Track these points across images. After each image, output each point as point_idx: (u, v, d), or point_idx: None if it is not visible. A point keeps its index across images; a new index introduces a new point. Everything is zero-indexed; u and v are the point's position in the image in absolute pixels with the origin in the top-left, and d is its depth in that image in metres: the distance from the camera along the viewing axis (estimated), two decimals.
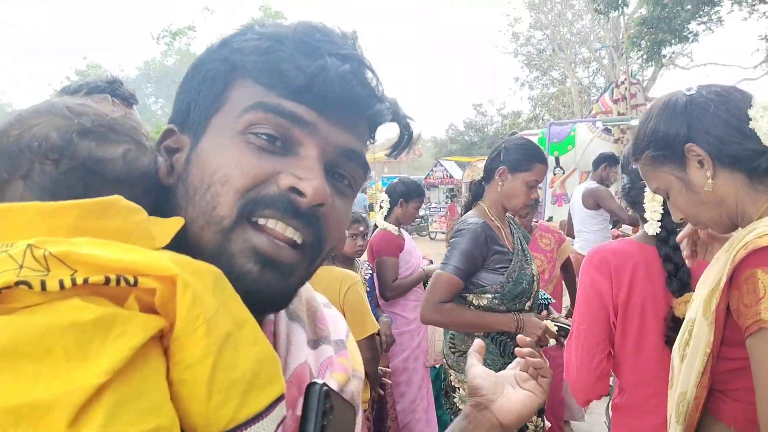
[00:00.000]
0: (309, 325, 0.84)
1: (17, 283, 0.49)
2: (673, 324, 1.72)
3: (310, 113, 0.68)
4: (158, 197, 0.73)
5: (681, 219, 1.48)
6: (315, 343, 0.83)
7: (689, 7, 10.13)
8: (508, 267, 2.56)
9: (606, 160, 5.92)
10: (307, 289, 0.91)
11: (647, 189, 1.76)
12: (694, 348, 1.32)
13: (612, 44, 23.52)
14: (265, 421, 0.57)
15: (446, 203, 23.01)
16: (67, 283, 0.50)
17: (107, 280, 0.52)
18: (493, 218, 2.63)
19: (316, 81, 0.66)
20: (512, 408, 1.06)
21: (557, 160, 10.61)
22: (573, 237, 6.50)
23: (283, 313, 0.81)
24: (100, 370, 0.48)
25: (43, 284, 0.49)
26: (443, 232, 17.43)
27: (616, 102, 10.41)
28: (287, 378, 0.73)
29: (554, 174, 12.43)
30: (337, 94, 0.68)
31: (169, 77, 38.57)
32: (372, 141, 0.81)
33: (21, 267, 0.50)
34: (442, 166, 25.55)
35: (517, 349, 1.14)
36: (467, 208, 2.79)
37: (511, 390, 1.08)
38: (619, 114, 10.39)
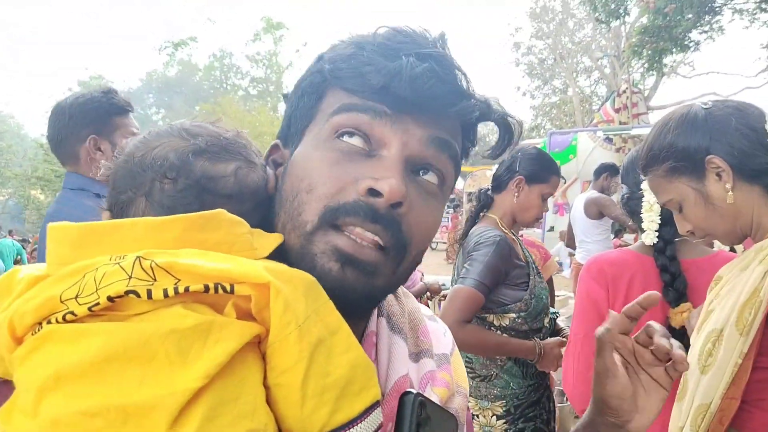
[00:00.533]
0: (411, 338, 0.85)
1: (126, 292, 0.54)
2: (670, 334, 1.69)
3: (390, 111, 0.70)
4: (267, 210, 0.77)
5: (688, 231, 1.48)
6: (417, 356, 0.84)
7: (690, 16, 10.13)
8: (528, 282, 2.40)
9: (607, 170, 5.89)
10: (411, 301, 0.93)
11: (644, 199, 1.78)
12: (723, 359, 1.29)
13: (613, 53, 23.57)
14: (360, 428, 0.58)
15: (448, 213, 22.98)
16: (171, 292, 0.55)
17: (206, 288, 0.56)
18: (505, 230, 2.47)
19: (394, 81, 0.68)
20: (648, 420, 0.88)
21: (558, 169, 10.57)
22: (573, 247, 6.45)
23: (385, 325, 0.82)
24: (198, 374, 0.51)
25: (149, 293, 0.54)
26: (444, 242, 17.34)
27: (617, 111, 10.40)
28: (387, 390, 0.74)
29: None
30: (415, 92, 0.68)
31: (170, 88, 38.77)
32: (472, 144, 0.82)
33: (130, 277, 0.55)
34: None
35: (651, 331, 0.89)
36: (473, 218, 2.62)
37: (643, 395, 0.89)
38: (620, 123, 10.38)
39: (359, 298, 0.69)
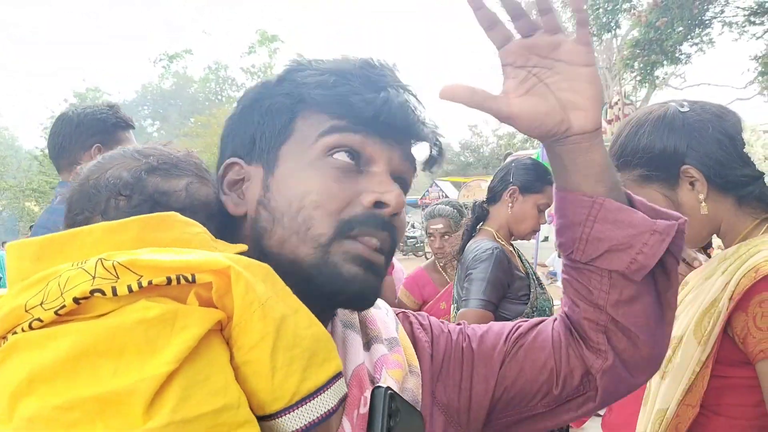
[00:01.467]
0: (362, 330, 0.90)
1: (92, 292, 0.56)
2: None
3: (377, 136, 0.78)
4: (223, 225, 0.82)
5: None
6: (368, 344, 0.88)
7: (681, 29, 10.27)
8: (529, 294, 2.36)
9: None
10: None
11: None
12: (681, 366, 1.30)
13: (605, 66, 23.78)
14: (326, 395, 0.63)
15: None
16: (134, 287, 0.57)
17: (169, 280, 0.58)
18: (502, 242, 2.44)
19: (383, 111, 0.75)
20: (589, 115, 0.80)
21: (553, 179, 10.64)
22: None
23: (338, 323, 0.88)
24: (168, 359, 0.54)
25: (114, 290, 0.57)
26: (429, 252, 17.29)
27: (610, 122, 10.50)
28: (348, 380, 0.78)
29: None
30: (398, 121, 0.77)
31: (165, 100, 38.81)
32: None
33: (94, 277, 0.57)
34: (437, 186, 25.60)
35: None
36: (470, 232, 2.59)
37: (566, 90, 0.80)
38: (612, 134, 10.45)
39: (374, 295, 0.79)
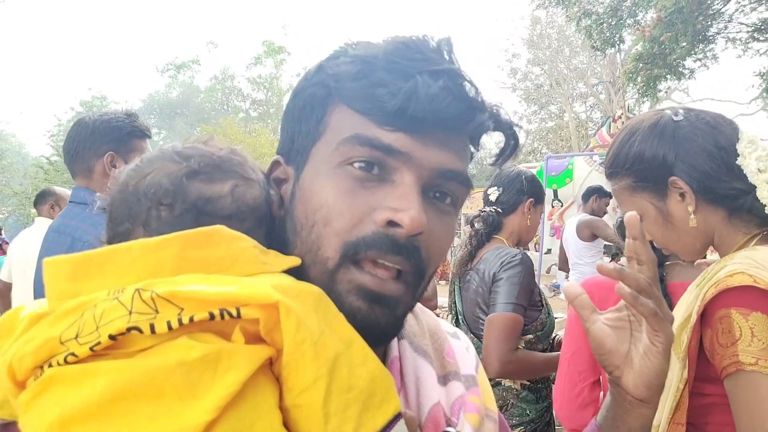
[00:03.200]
0: (437, 360, 0.82)
1: (128, 329, 0.52)
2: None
3: (405, 140, 0.67)
4: (272, 228, 0.75)
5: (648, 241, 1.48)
6: (444, 378, 0.80)
7: (684, 44, 10.30)
8: (542, 300, 2.45)
9: (595, 192, 5.97)
10: (430, 319, 0.89)
11: None
12: (667, 383, 1.25)
13: (609, 80, 23.84)
14: None
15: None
16: (174, 324, 0.52)
17: (212, 316, 0.54)
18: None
19: (409, 104, 0.65)
20: (641, 377, 0.81)
21: (555, 192, 10.66)
22: (566, 270, 6.50)
23: (408, 347, 0.80)
24: (209, 407, 0.50)
25: (152, 327, 0.52)
26: None
27: (613, 136, 10.52)
28: (423, 421, 0.73)
29: (552, 206, 12.45)
30: (431, 114, 0.65)
31: (172, 109, 39.01)
32: (476, 150, 0.78)
33: (131, 312, 0.53)
34: None
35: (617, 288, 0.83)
36: (482, 240, 2.60)
37: (637, 352, 0.82)
38: None
39: (386, 331, 0.69)
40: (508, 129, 0.76)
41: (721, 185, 1.29)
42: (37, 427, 0.51)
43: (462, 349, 0.88)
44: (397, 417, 0.59)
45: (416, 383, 0.77)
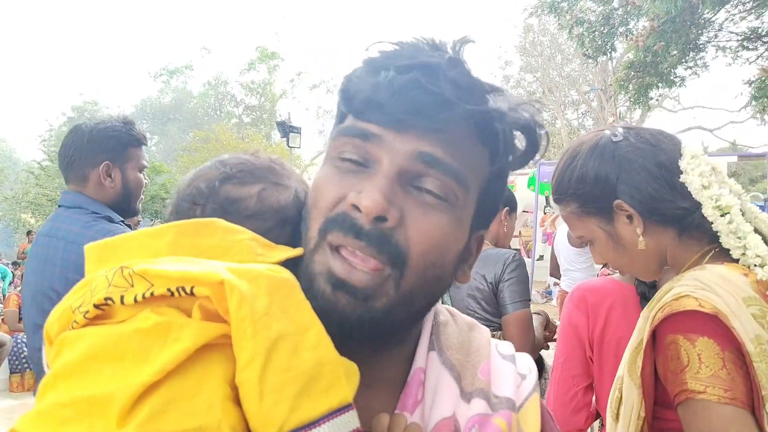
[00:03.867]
0: (468, 376, 0.78)
1: (105, 299, 0.59)
2: None
3: (378, 128, 0.69)
4: (298, 228, 0.77)
5: (602, 262, 1.46)
6: (470, 395, 0.76)
7: (675, 52, 10.38)
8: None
9: None
10: (483, 338, 0.86)
11: None
12: (627, 410, 1.26)
13: (600, 87, 23.99)
14: (324, 429, 0.56)
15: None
16: (140, 297, 0.59)
17: (171, 292, 0.59)
18: None
19: (374, 96, 0.68)
20: None
21: (547, 199, 10.71)
22: (557, 276, 6.53)
23: (436, 359, 0.79)
24: (152, 370, 0.54)
25: (122, 298, 0.59)
26: None
27: None
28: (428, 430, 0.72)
29: (545, 213, 12.48)
30: (396, 106, 0.67)
31: (164, 114, 38.91)
32: (506, 152, 0.74)
33: (109, 285, 0.60)
34: None
35: None
36: None
37: None
38: None
39: (357, 324, 0.67)
40: (523, 128, 0.73)
41: (667, 205, 1.26)
42: (42, 382, 0.58)
43: (509, 371, 0.82)
44: (344, 408, 0.58)
45: (434, 395, 0.75)
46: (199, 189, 0.80)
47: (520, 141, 0.74)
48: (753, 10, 10.36)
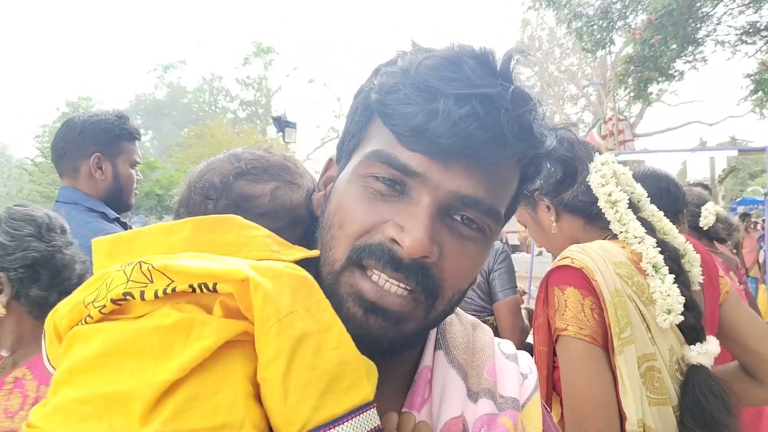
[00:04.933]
0: (474, 375, 0.80)
1: (124, 294, 0.58)
2: None
3: (423, 161, 0.65)
4: (310, 229, 0.78)
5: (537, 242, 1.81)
6: (476, 395, 0.78)
7: (674, 46, 10.32)
8: None
9: None
10: (485, 336, 0.88)
11: None
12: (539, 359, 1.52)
13: (599, 82, 23.95)
14: (345, 427, 0.56)
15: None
16: (160, 293, 0.58)
17: (192, 289, 0.58)
18: None
19: (429, 126, 0.63)
20: None
21: None
22: None
23: (443, 357, 0.80)
24: (174, 368, 0.53)
25: (141, 294, 0.58)
26: None
27: (604, 138, 10.49)
28: (437, 430, 0.73)
29: None
30: (451, 140, 0.62)
31: (159, 110, 38.74)
32: (533, 179, 0.76)
33: (128, 281, 0.59)
34: None
35: None
36: None
37: None
38: (607, 149, 10.46)
39: (387, 345, 0.67)
40: (560, 161, 0.73)
41: (575, 200, 1.59)
42: (55, 376, 0.58)
43: (512, 371, 0.84)
44: (366, 406, 0.58)
45: (441, 394, 0.76)
46: (212, 183, 0.79)
47: (557, 170, 0.75)
48: (751, 4, 10.32)
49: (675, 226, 2.00)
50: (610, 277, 1.42)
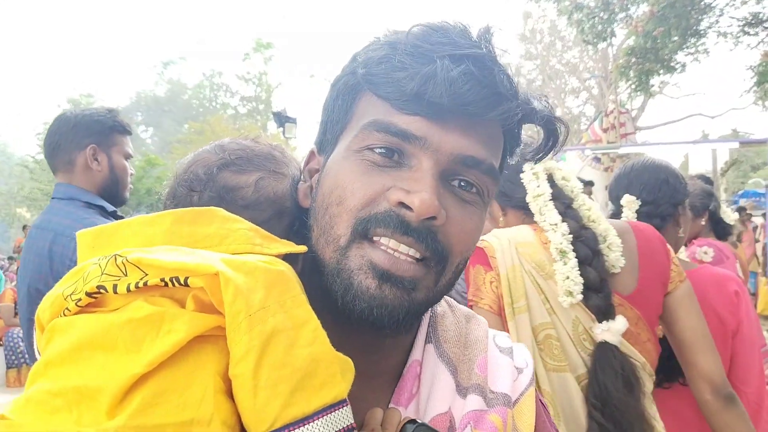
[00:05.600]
0: (464, 370, 0.79)
1: (98, 287, 0.57)
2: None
3: (422, 124, 0.66)
4: (296, 221, 0.78)
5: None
6: (465, 390, 0.77)
7: (676, 38, 10.25)
8: None
9: (587, 186, 5.96)
10: (479, 329, 0.86)
11: (623, 214, 2.04)
12: None
13: (601, 74, 23.85)
14: (317, 425, 0.55)
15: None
16: (133, 287, 0.57)
17: (164, 282, 0.57)
18: None
19: (427, 87, 0.63)
20: None
21: None
22: None
23: (433, 352, 0.79)
24: (143, 362, 0.52)
25: (114, 287, 0.57)
26: None
27: (605, 131, 10.47)
28: None
29: None
30: (449, 99, 0.63)
31: (159, 106, 38.70)
32: (516, 144, 0.78)
33: (102, 274, 0.58)
34: None
35: None
36: None
37: None
38: (608, 142, 10.43)
39: (399, 315, 0.66)
40: (542, 122, 0.73)
41: (516, 195, 1.77)
42: (33, 369, 0.58)
43: (506, 365, 0.82)
44: (338, 404, 0.57)
45: (429, 389, 0.75)
46: (197, 175, 0.78)
47: (538, 133, 0.76)
48: None
49: (673, 217, 2.02)
50: (509, 255, 1.65)
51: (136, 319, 0.55)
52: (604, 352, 1.54)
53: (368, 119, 0.68)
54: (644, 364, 1.64)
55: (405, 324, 0.68)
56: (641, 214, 2.02)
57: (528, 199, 1.72)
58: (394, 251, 0.65)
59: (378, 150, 0.67)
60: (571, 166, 9.87)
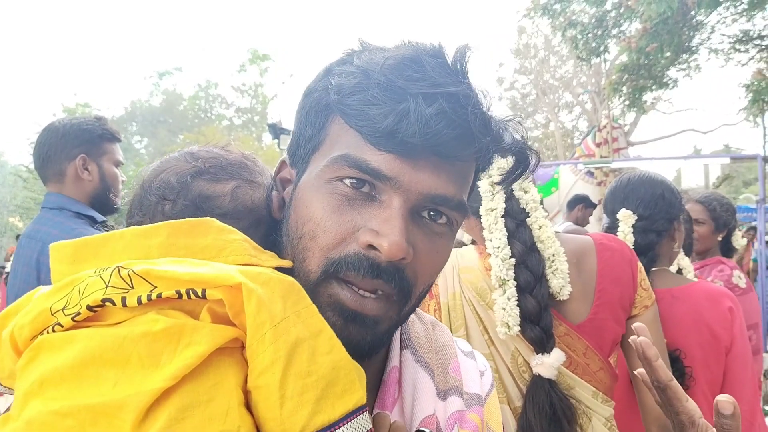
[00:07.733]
0: (440, 374, 0.82)
1: (103, 301, 0.56)
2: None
3: (395, 163, 0.65)
4: (271, 230, 0.77)
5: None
6: (444, 393, 0.80)
7: (668, 54, 10.35)
8: None
9: (582, 201, 5.95)
10: (443, 334, 0.89)
11: (619, 229, 2.01)
12: None
13: (594, 89, 24.00)
14: (343, 431, 0.56)
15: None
16: (144, 299, 0.55)
17: (179, 294, 0.56)
18: None
19: (400, 126, 0.63)
20: None
21: (541, 201, 10.60)
22: None
23: (410, 357, 0.81)
24: (166, 376, 0.51)
25: (123, 300, 0.56)
26: None
27: (598, 145, 10.51)
28: (413, 430, 0.74)
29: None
30: (422, 139, 0.63)
31: (154, 116, 38.63)
32: (483, 170, 0.79)
33: (107, 286, 0.56)
34: None
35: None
36: None
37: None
38: (601, 157, 10.48)
39: (366, 349, 0.68)
40: (515, 152, 0.73)
41: (473, 204, 1.58)
42: (22, 387, 0.55)
43: (473, 368, 0.87)
44: (359, 410, 0.58)
45: (413, 393, 0.77)
46: (169, 183, 0.75)
47: (508, 161, 0.76)
48: (744, 13, 10.33)
49: (669, 232, 2.00)
50: (451, 282, 1.61)
51: (153, 333, 0.54)
52: (534, 387, 1.50)
53: (340, 152, 0.68)
54: (595, 393, 1.54)
55: (371, 353, 0.70)
56: (637, 229, 2.02)
57: (481, 211, 1.64)
58: (360, 290, 0.67)
59: (348, 181, 0.68)
60: (564, 179, 9.91)
